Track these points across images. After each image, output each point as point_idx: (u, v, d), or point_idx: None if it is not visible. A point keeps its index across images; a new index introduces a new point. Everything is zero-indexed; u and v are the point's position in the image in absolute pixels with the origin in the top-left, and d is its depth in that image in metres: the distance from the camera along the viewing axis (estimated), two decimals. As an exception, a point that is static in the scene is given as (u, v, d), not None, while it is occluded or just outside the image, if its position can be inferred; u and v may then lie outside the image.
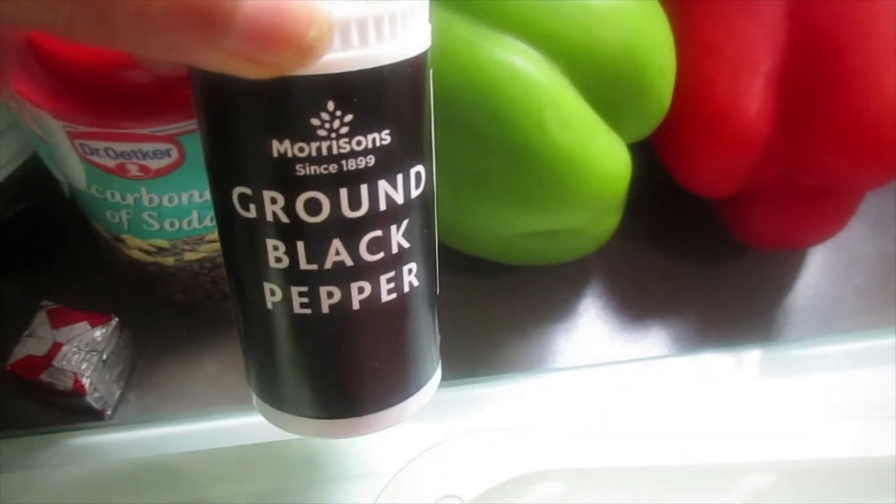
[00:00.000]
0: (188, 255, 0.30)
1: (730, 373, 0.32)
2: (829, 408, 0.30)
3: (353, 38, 0.17)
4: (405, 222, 0.19)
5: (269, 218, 0.18)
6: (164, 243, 0.29)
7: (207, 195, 0.20)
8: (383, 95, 0.18)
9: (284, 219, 0.18)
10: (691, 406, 0.30)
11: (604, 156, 0.27)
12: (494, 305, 0.34)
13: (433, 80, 0.20)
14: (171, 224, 0.27)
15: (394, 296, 0.20)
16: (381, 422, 0.21)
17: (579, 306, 0.34)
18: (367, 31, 0.17)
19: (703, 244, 0.36)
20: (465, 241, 0.31)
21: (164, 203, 0.26)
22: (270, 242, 0.18)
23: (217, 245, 0.29)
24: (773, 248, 0.34)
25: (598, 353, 0.33)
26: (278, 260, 0.18)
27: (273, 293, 0.19)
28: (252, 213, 0.18)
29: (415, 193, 0.19)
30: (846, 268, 0.36)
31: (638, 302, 0.34)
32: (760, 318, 0.34)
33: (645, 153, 0.31)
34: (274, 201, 0.18)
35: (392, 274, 0.19)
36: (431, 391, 0.22)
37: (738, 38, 0.29)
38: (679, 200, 0.35)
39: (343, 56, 0.17)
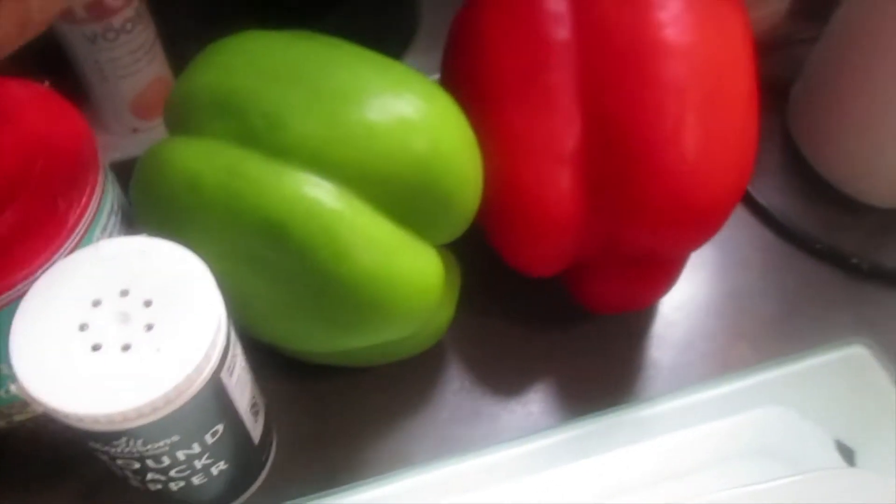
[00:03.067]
0: (17, 418, 0.29)
1: (599, 439, 0.32)
2: (698, 460, 0.32)
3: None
4: (206, 454, 0.26)
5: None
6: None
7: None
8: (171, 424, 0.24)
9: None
10: (569, 481, 0.31)
11: (410, 272, 0.27)
12: (350, 407, 0.34)
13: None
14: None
15: (205, 479, 0.27)
16: None
17: (436, 392, 0.34)
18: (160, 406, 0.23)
19: (553, 312, 0.36)
20: (305, 356, 0.31)
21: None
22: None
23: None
24: (614, 312, 0.35)
25: (459, 440, 0.33)
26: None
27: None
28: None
29: (212, 440, 0.26)
30: (693, 312, 0.37)
31: (495, 378, 0.35)
32: (617, 378, 0.35)
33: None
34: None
35: (201, 473, 0.27)
36: None
37: (538, 127, 0.29)
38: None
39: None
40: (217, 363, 0.24)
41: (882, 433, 0.33)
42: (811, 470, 0.30)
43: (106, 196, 0.27)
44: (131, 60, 0.36)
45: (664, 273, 0.33)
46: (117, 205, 0.28)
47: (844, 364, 0.34)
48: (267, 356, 0.31)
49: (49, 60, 0.35)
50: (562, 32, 0.30)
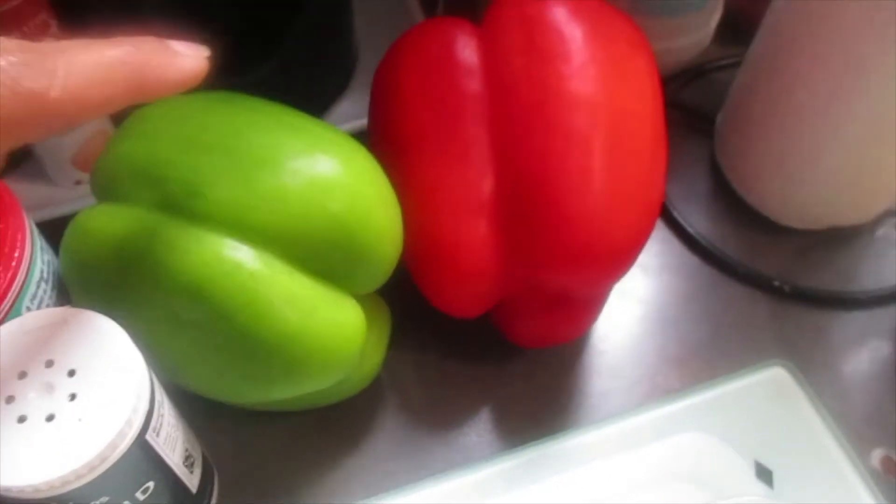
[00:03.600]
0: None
1: (533, 469, 0.34)
2: (622, 488, 0.33)
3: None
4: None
5: None
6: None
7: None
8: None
9: None
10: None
11: (330, 327, 0.28)
12: (290, 448, 0.35)
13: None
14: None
15: None
16: None
17: (375, 429, 0.36)
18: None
19: (487, 345, 0.37)
20: (243, 404, 0.33)
21: None
22: None
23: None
24: (540, 346, 0.36)
25: (398, 475, 0.34)
26: None
27: None
28: None
29: (144, 497, 0.27)
30: (622, 340, 0.38)
31: (432, 413, 0.36)
32: (550, 408, 0.36)
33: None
34: None
35: None
36: None
37: (454, 178, 0.31)
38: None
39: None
40: (140, 427, 0.25)
41: (800, 452, 0.34)
42: (728, 496, 0.32)
43: (34, 266, 0.28)
44: (69, 118, 0.37)
45: (585, 309, 0.34)
46: (48, 272, 0.29)
47: (765, 386, 0.36)
48: (204, 404, 0.32)
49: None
50: (474, 85, 0.31)
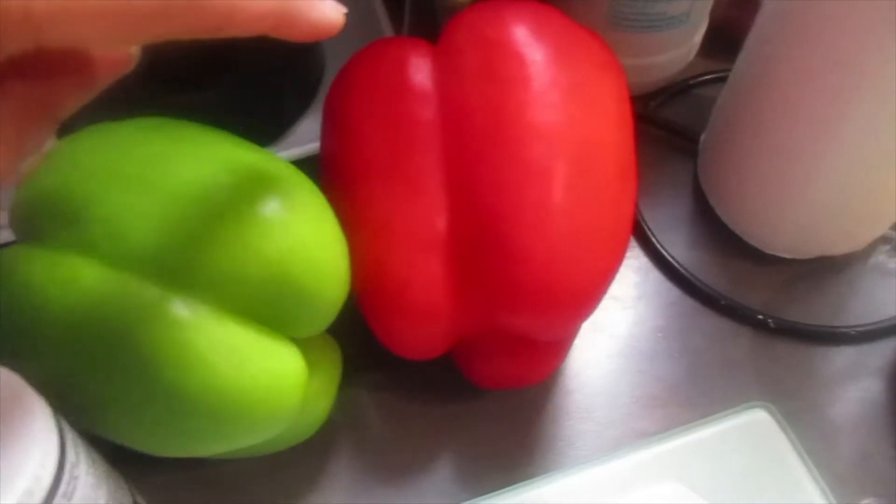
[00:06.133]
0: None
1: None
2: None
3: None
4: None
5: None
6: None
7: None
8: None
9: None
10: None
11: (266, 377, 0.26)
12: (240, 494, 0.33)
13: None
14: None
15: None
16: None
17: (330, 472, 0.33)
18: None
19: (450, 385, 0.35)
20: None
21: None
22: None
23: None
24: (503, 388, 0.34)
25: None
26: None
27: None
28: None
29: None
30: (593, 379, 0.36)
31: (390, 456, 0.34)
32: (515, 452, 0.34)
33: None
34: None
35: None
36: None
37: (405, 212, 0.28)
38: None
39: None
40: (45, 496, 0.23)
41: (782, 497, 0.32)
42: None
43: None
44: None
45: (549, 351, 0.32)
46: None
47: (745, 429, 0.34)
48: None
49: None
50: (427, 111, 0.29)
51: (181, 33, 0.19)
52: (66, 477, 0.24)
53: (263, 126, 0.41)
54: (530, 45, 0.28)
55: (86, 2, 0.18)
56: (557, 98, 0.28)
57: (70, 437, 0.25)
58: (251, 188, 0.26)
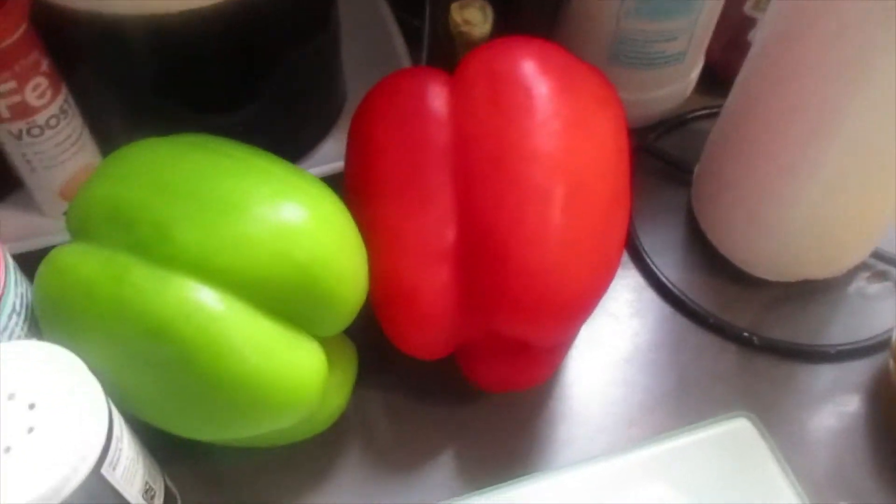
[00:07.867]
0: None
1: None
2: None
3: None
4: None
5: None
6: None
7: None
8: None
9: None
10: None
11: (290, 369, 0.29)
12: (253, 484, 0.35)
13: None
14: None
15: None
16: None
17: (340, 467, 0.36)
18: None
19: (456, 387, 0.38)
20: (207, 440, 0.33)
21: None
22: None
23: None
24: (503, 390, 0.37)
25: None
26: None
27: None
28: None
29: None
30: (589, 387, 0.39)
31: (398, 453, 0.36)
32: (514, 452, 0.37)
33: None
34: None
35: None
36: None
37: (417, 225, 0.32)
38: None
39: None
40: (95, 462, 0.25)
41: (761, 499, 0.34)
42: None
43: (6, 299, 0.29)
44: (58, 152, 0.38)
45: (546, 357, 0.35)
46: (21, 305, 0.30)
47: (728, 437, 0.36)
48: (171, 436, 0.33)
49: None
50: (442, 135, 0.32)
51: None
52: (112, 448, 0.27)
53: (287, 148, 0.45)
54: (536, 79, 0.31)
55: None
56: (558, 127, 0.31)
57: (116, 413, 0.27)
58: (281, 197, 0.29)
